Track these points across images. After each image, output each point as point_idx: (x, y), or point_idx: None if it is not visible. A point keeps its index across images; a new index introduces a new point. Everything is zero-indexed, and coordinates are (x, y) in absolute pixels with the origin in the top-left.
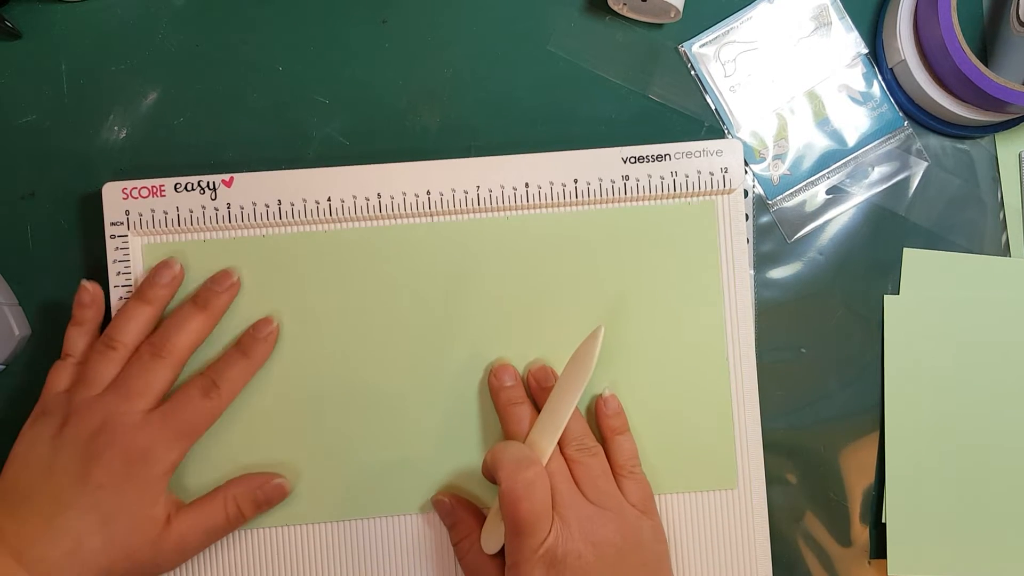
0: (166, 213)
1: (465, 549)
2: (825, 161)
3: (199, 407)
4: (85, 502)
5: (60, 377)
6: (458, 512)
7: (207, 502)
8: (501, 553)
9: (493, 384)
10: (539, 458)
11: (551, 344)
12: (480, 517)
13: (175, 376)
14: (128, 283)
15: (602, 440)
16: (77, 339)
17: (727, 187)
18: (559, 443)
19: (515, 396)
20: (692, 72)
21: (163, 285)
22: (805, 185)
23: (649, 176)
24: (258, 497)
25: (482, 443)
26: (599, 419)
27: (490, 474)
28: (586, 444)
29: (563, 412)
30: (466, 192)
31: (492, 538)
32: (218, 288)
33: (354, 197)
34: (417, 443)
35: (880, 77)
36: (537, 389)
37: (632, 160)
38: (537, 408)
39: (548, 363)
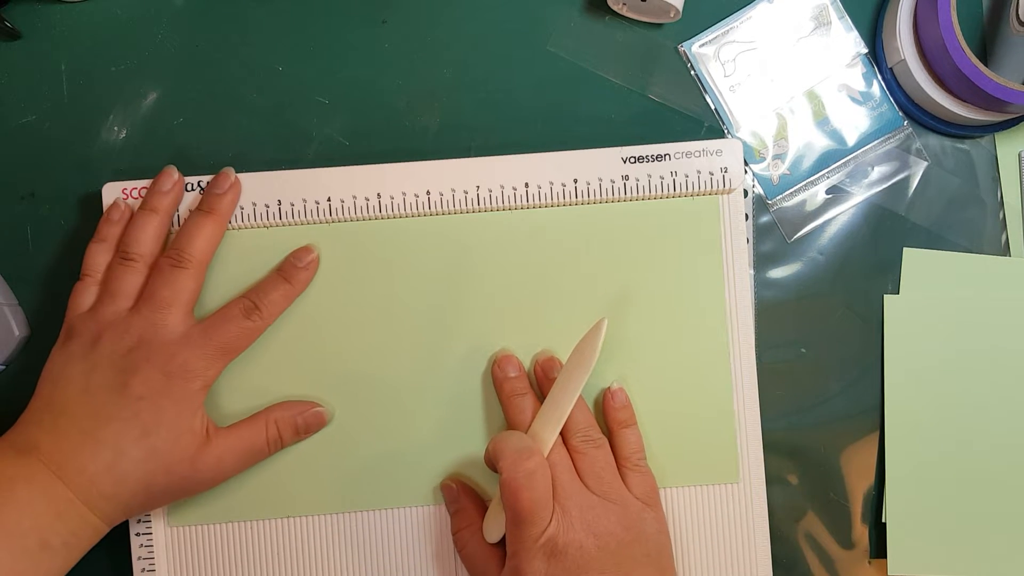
0: None
1: (465, 539)
2: (825, 161)
3: (240, 325)
4: (125, 414)
5: (83, 297)
6: (462, 500)
7: (248, 424)
8: (501, 543)
9: (496, 374)
10: (541, 448)
11: (553, 341)
12: (482, 508)
13: (199, 283)
14: None
15: (608, 433)
16: (97, 256)
17: (727, 187)
18: (563, 434)
19: (518, 387)
20: (692, 72)
21: (166, 192)
22: (805, 185)
23: (649, 176)
24: (298, 422)
25: (484, 435)
26: (606, 411)
27: (492, 463)
28: (591, 436)
29: (565, 403)
30: (466, 192)
31: (494, 527)
32: (219, 190)
33: (354, 197)
34: (418, 437)
35: (880, 77)
36: (543, 379)
37: (632, 160)
38: (541, 399)
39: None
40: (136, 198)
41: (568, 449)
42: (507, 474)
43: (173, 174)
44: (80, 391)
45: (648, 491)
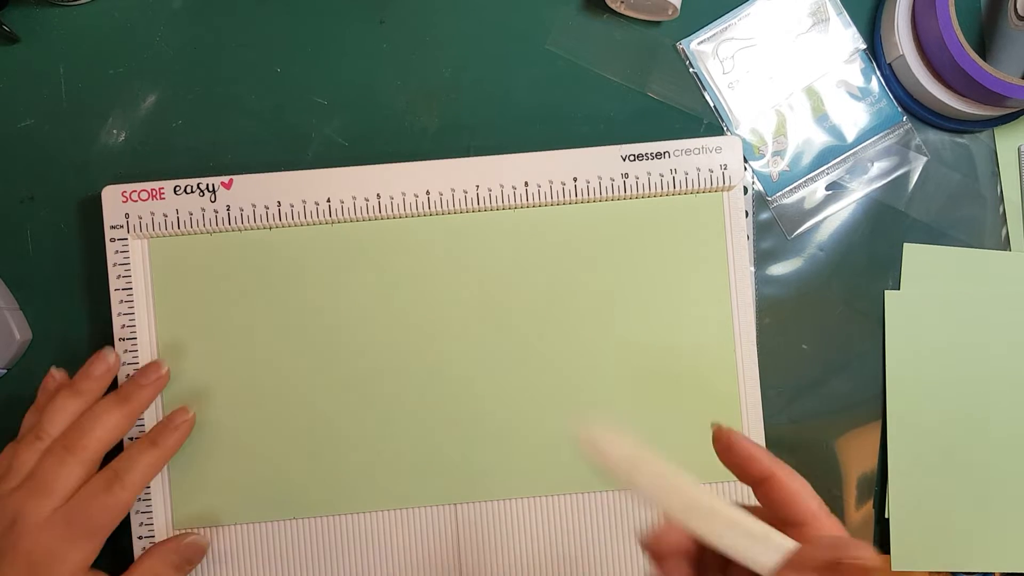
0: (166, 216)
1: None
2: (824, 157)
3: (102, 503)
4: None
5: (0, 462)
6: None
7: None
8: None
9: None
10: None
11: (553, 340)
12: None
13: (88, 472)
14: (128, 286)
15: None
16: (28, 423)
17: (727, 184)
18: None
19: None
20: (691, 69)
21: (96, 378)
22: (804, 181)
23: (648, 174)
24: (175, 560)
25: (485, 435)
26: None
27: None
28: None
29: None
30: (465, 192)
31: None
32: (143, 381)
33: (353, 198)
34: (420, 438)
35: (878, 72)
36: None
37: (631, 158)
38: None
39: (555, 359)
40: (135, 201)
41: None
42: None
43: (108, 358)
44: None
45: None
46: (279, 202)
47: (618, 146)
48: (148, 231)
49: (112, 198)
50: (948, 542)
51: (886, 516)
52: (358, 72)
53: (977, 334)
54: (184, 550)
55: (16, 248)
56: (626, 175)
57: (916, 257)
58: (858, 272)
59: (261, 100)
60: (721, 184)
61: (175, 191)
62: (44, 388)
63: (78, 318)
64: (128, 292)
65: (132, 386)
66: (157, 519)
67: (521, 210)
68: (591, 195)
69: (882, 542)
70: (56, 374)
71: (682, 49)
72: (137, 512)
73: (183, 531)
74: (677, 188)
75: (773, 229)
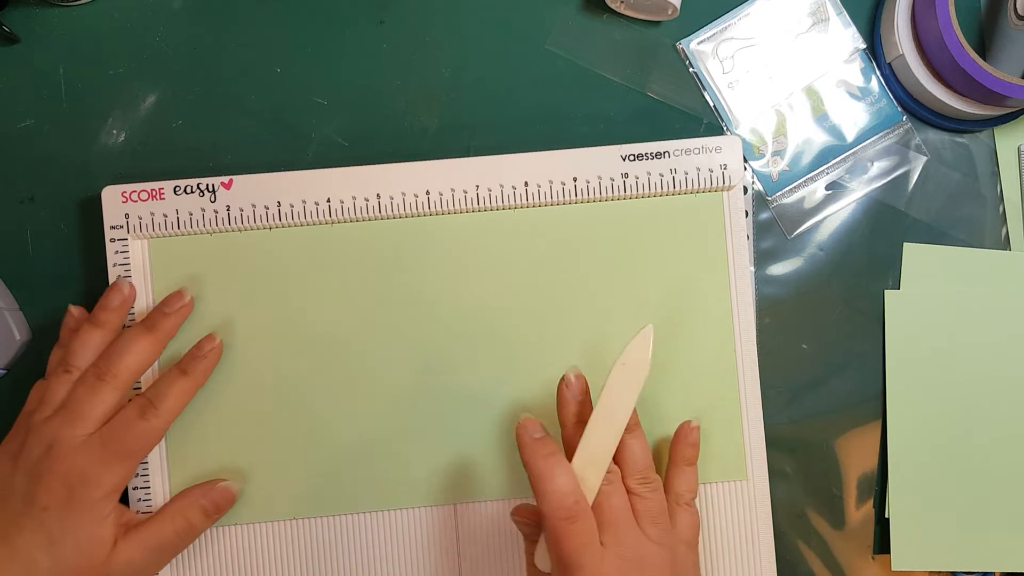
0: (166, 216)
1: (530, 559)
2: (824, 157)
3: (136, 428)
4: (33, 524)
5: (32, 398)
6: (534, 526)
7: (154, 520)
8: None
9: (521, 436)
10: (585, 492)
11: (554, 339)
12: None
13: (120, 399)
14: None
15: (669, 464)
16: (53, 360)
17: (726, 184)
18: (620, 469)
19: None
20: (690, 69)
21: (113, 309)
22: (804, 181)
23: (648, 174)
24: (205, 505)
25: (487, 434)
26: (676, 444)
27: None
28: (649, 478)
29: (612, 434)
30: (465, 192)
31: (544, 557)
32: (167, 310)
33: (353, 198)
34: (420, 438)
35: (878, 72)
36: (568, 403)
37: (631, 158)
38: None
39: (555, 359)
40: (135, 201)
41: (624, 488)
42: (549, 521)
43: (123, 289)
44: (2, 495)
45: (694, 532)
46: (279, 202)
47: (618, 146)
48: (148, 231)
49: (112, 198)
50: (949, 542)
51: (886, 516)
52: (358, 72)
53: (977, 333)
54: (215, 496)
55: (16, 248)
56: (626, 175)
57: (916, 257)
58: (858, 272)
59: (261, 100)
60: (721, 184)
61: (175, 191)
62: (65, 325)
63: None
64: None
65: (157, 314)
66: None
67: (521, 210)
68: (591, 195)
69: (882, 542)
70: (75, 310)
71: (682, 49)
72: (138, 511)
73: (214, 480)
74: (677, 188)
75: (773, 229)
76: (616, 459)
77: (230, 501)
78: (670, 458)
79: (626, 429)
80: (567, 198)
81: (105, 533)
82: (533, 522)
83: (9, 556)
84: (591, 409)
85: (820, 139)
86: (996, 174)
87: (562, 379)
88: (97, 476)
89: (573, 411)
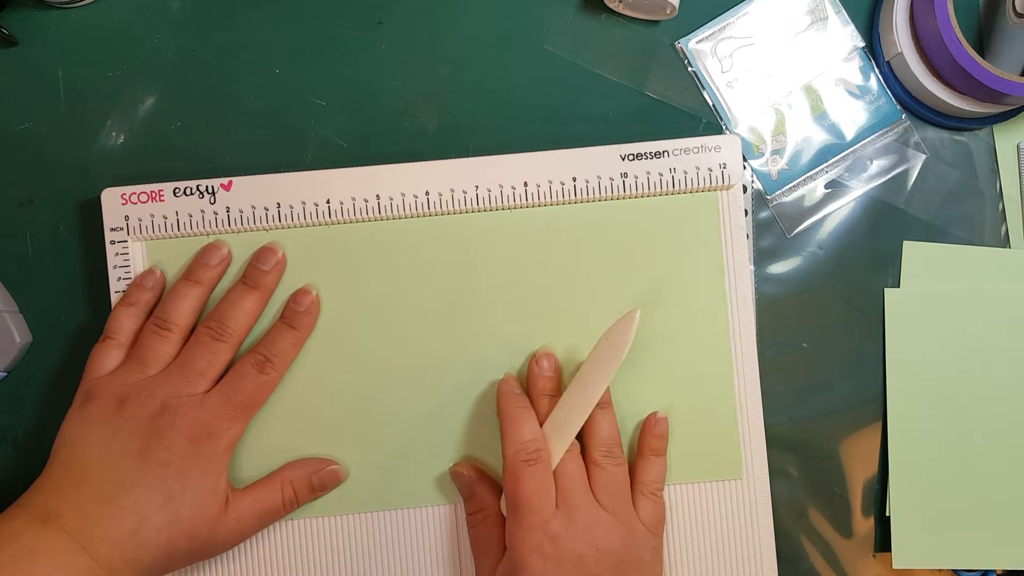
0: (165, 218)
1: (476, 522)
2: (823, 155)
3: (256, 381)
4: (150, 480)
5: (104, 359)
6: (475, 486)
7: (264, 486)
8: None
9: (502, 388)
10: (550, 455)
11: (554, 339)
12: (496, 492)
13: (233, 356)
14: None
15: (635, 455)
16: (124, 320)
17: (726, 183)
18: (585, 443)
19: (522, 402)
20: (689, 68)
21: (212, 266)
22: (804, 180)
23: (648, 173)
24: (313, 482)
25: (490, 433)
26: (643, 435)
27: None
28: (614, 453)
29: (583, 405)
30: (464, 192)
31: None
32: (264, 267)
33: (353, 199)
34: (422, 437)
35: (877, 70)
36: (538, 378)
37: (630, 157)
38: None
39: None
40: (135, 203)
41: (586, 460)
42: (509, 460)
43: (222, 248)
44: (101, 456)
45: (656, 520)
46: (278, 203)
47: (617, 145)
48: (148, 233)
49: (111, 200)
50: (950, 540)
51: (887, 514)
52: (357, 73)
53: (977, 331)
54: (324, 476)
55: (16, 251)
56: (625, 174)
57: (916, 255)
58: (858, 270)
59: (260, 101)
60: (720, 183)
61: (174, 193)
62: (140, 284)
63: (78, 321)
64: None
65: (255, 272)
66: None
67: (521, 210)
68: (590, 195)
69: (883, 540)
70: (157, 271)
71: (681, 48)
72: None
73: (326, 459)
74: (676, 187)
75: (772, 228)
76: (584, 432)
77: (335, 484)
78: (637, 449)
79: (598, 405)
80: (566, 198)
81: (222, 487)
82: (473, 475)
83: (120, 516)
84: (560, 388)
85: (819, 137)
86: (995, 172)
87: (533, 356)
88: (220, 429)
89: (540, 386)
